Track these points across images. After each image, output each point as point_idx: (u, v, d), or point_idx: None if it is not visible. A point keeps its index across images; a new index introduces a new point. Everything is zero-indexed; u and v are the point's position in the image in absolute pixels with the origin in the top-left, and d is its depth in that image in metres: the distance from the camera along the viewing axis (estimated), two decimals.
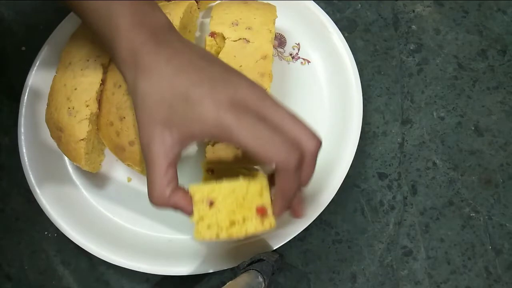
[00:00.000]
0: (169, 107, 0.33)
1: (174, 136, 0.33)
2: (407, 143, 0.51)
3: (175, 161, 0.34)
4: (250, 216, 0.35)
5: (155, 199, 0.35)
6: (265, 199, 0.36)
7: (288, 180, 0.33)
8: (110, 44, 0.35)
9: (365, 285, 0.46)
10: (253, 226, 0.35)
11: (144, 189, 0.49)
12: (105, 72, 0.47)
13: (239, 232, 0.35)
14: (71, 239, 0.46)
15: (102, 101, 0.46)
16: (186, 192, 0.35)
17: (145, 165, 0.35)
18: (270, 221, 0.35)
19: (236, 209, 0.35)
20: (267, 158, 0.32)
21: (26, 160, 0.48)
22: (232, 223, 0.35)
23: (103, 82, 0.46)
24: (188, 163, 0.49)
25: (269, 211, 0.35)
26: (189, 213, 0.35)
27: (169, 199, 0.34)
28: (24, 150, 0.49)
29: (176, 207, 0.35)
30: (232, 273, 0.46)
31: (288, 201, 0.35)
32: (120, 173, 0.50)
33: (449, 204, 0.48)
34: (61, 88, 0.46)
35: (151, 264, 0.45)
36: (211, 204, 0.35)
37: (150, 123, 0.33)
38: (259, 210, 0.35)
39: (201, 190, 0.36)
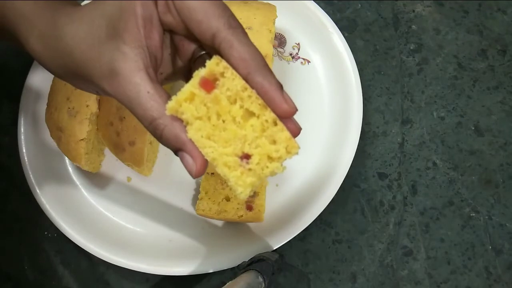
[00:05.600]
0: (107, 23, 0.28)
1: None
2: (407, 143, 0.51)
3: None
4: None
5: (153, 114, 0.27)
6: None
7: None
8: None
9: (365, 285, 0.46)
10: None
11: (144, 189, 0.50)
12: None
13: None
14: (71, 239, 0.46)
15: (102, 101, 0.46)
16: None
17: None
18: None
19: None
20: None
21: (26, 160, 0.48)
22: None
23: None
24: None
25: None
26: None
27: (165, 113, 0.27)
28: (24, 150, 0.49)
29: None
30: (232, 273, 0.46)
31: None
32: (120, 173, 0.50)
33: (449, 204, 0.48)
34: (61, 88, 0.46)
35: (151, 264, 0.45)
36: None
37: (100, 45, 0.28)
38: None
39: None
